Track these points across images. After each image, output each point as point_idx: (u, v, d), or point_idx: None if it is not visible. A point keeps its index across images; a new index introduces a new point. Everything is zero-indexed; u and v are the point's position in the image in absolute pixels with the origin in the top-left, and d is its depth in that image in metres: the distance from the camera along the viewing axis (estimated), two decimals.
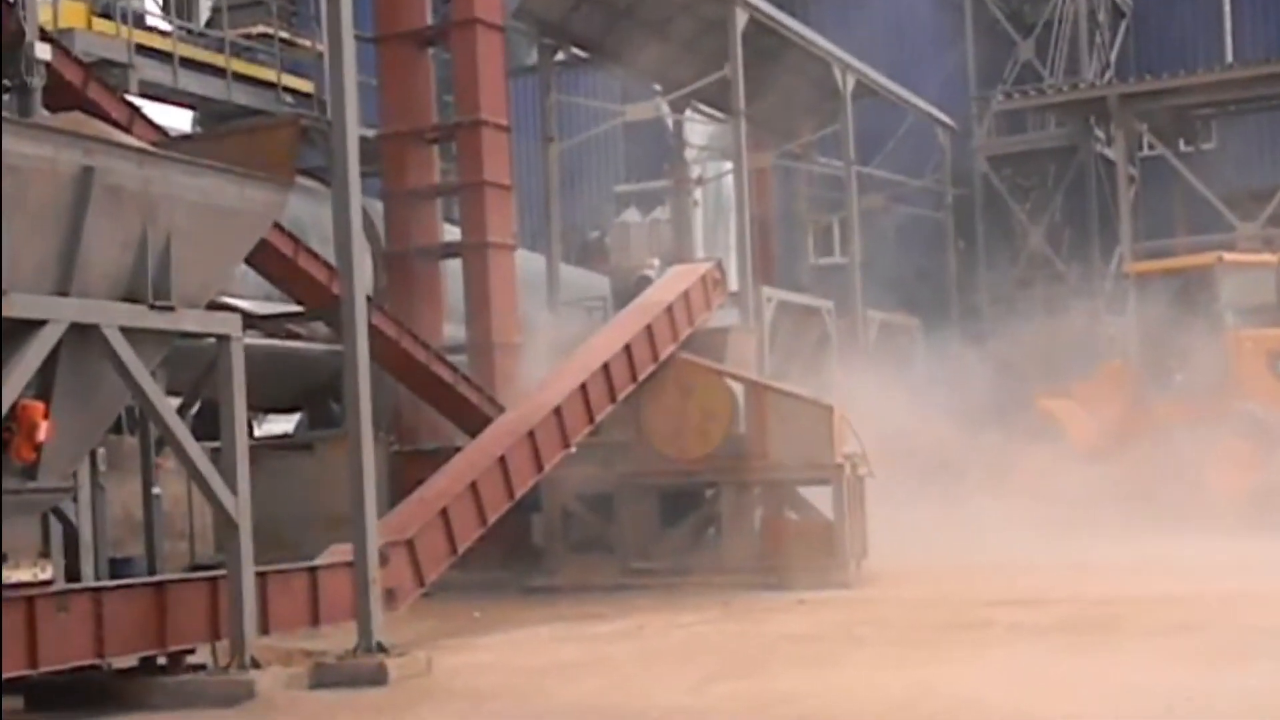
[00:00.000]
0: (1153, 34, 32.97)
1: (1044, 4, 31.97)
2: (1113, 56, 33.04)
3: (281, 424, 23.71)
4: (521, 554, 18.21)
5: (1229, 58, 31.96)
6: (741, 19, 21.99)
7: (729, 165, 24.23)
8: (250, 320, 13.47)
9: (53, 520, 10.41)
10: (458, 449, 16.31)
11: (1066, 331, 24.07)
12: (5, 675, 9.10)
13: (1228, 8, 32.90)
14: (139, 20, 22.97)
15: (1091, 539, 18.88)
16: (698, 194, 27.10)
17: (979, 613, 13.01)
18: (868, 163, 28.31)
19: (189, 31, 25.04)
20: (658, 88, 25.71)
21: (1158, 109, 29.29)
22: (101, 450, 11.77)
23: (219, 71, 23.39)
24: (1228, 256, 23.20)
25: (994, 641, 11.26)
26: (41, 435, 8.76)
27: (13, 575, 8.90)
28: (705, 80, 22.93)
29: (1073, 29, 31.77)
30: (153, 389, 9.50)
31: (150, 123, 14.29)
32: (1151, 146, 30.18)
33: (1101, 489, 20.12)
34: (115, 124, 12.26)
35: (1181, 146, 30.82)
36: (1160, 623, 11.79)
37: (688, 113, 26.72)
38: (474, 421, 17.30)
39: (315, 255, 15.41)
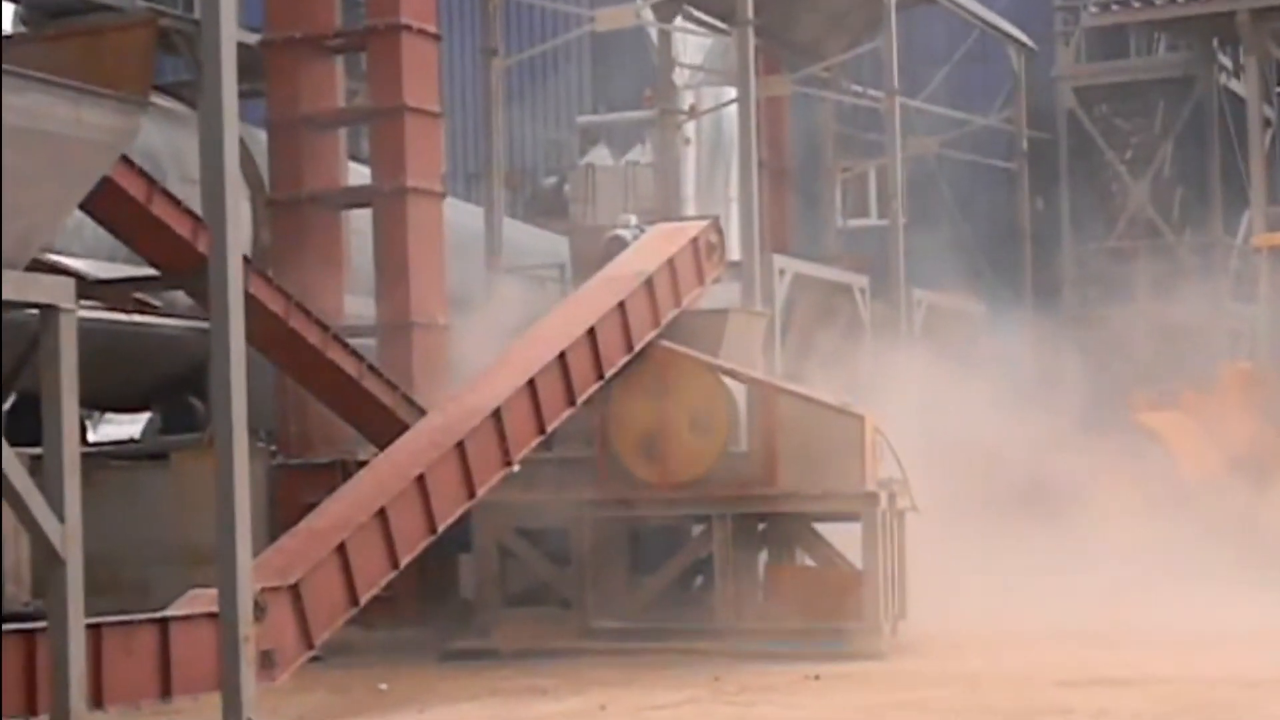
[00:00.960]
0: None
1: None
2: None
3: (126, 426, 23.75)
4: (444, 607, 18.39)
5: None
6: None
7: (732, 92, 24.14)
8: (87, 286, 13.36)
9: None
10: (361, 464, 16.38)
11: (1177, 323, 24.03)
12: None
13: None
14: None
15: (1206, 598, 18.58)
16: (690, 129, 26.97)
17: (1053, 696, 12.99)
18: (917, 94, 28.38)
19: None
20: None
21: None
22: None
23: None
24: None
25: None
26: None
27: None
28: None
29: None
30: None
31: None
32: None
33: (1220, 531, 20.09)
34: None
35: None
36: None
37: (677, 21, 26.43)
38: (383, 427, 17.37)
39: (176, 201, 15.28)
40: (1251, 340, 23.88)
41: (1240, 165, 30.03)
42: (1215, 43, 30.77)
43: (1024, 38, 30.93)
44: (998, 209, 29.73)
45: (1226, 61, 31.13)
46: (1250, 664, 14.43)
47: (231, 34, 10.70)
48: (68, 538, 9.78)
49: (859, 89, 29.13)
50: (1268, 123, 29.65)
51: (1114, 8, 31.07)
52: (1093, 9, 31.28)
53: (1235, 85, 30.82)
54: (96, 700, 10.24)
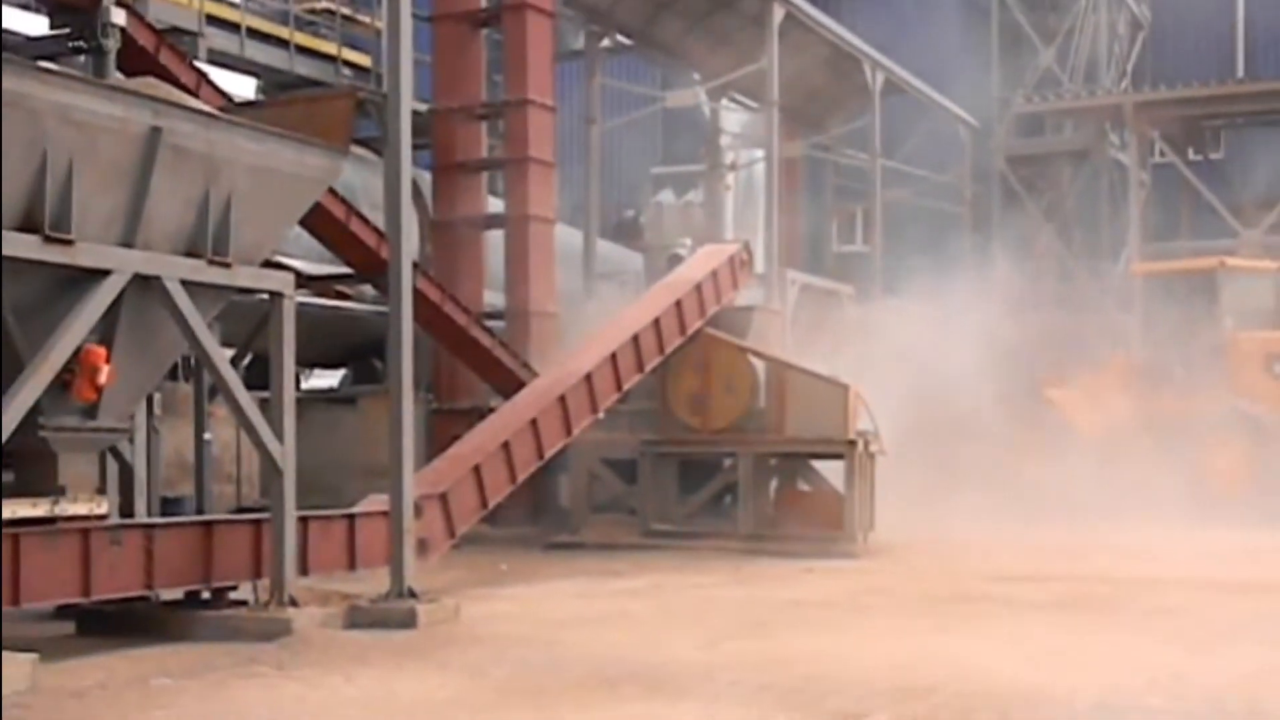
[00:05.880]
0: (1168, 47, 32.94)
1: (1066, 14, 31.80)
2: (1129, 66, 32.98)
3: (327, 379, 23.70)
4: (548, 512, 18.31)
5: (1240, 73, 31.82)
6: (778, 14, 22.02)
7: (761, 153, 24.17)
8: (302, 279, 13.30)
9: (110, 459, 10.39)
10: (492, 409, 16.37)
11: (1075, 326, 23.80)
12: (60, 602, 9.18)
13: (1241, 25, 32.78)
14: None
15: (1090, 524, 18.71)
16: (730, 179, 27.03)
17: (980, 587, 12.85)
18: (892, 157, 28.08)
19: (261, 5, 25.06)
20: (696, 76, 25.66)
21: (1170, 118, 29.14)
22: (158, 395, 11.86)
23: (283, 43, 23.45)
24: (1230, 261, 23.15)
25: (991, 615, 11.11)
26: (102, 378, 8.73)
27: (70, 508, 8.84)
28: (742, 71, 22.97)
29: (1092, 39, 31.61)
30: (208, 340, 9.49)
31: (217, 89, 14.26)
32: (1163, 154, 30.03)
33: (1102, 477, 19.93)
34: (184, 88, 12.23)
35: (1191, 155, 30.64)
36: (1151, 604, 11.66)
37: (724, 101, 26.61)
38: (508, 384, 17.41)
39: (366, 221, 15.37)
40: (1128, 339, 23.67)
41: (1122, 214, 29.78)
42: (1107, 126, 30.53)
43: (970, 119, 30.70)
44: (948, 243, 29.07)
45: (1115, 140, 30.86)
46: (1125, 570, 14.32)
47: (408, 104, 10.74)
48: (285, 455, 9.88)
49: (851, 153, 28.89)
50: (1142, 184, 29.46)
51: (1036, 100, 30.85)
52: (1021, 100, 31.04)
53: (1121, 157, 30.54)
54: (303, 569, 10.28)
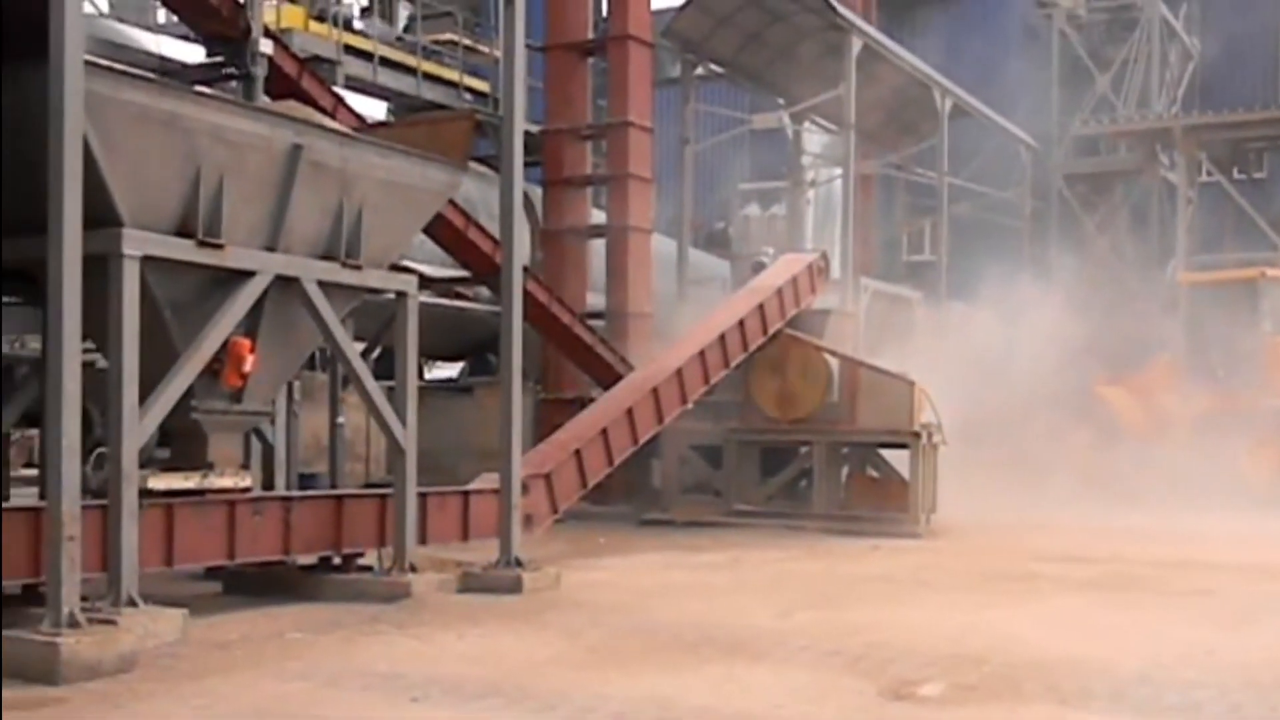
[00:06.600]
0: (1216, 74, 32.22)
1: (1121, 44, 31.42)
2: (1180, 92, 32.44)
3: (447, 370, 23.82)
4: (641, 492, 18.26)
5: None
6: (856, 45, 21.85)
7: (839, 171, 23.92)
8: (425, 281, 13.16)
9: (254, 439, 10.54)
10: (592, 399, 16.40)
11: (1125, 329, 23.46)
12: (208, 565, 9.36)
13: None
14: (348, 24, 23.39)
15: (1134, 511, 18.45)
16: (810, 195, 26.91)
17: (1030, 566, 12.67)
18: (959, 175, 27.77)
19: (392, 36, 25.39)
20: (781, 101, 25.57)
21: (1217, 140, 28.72)
22: (297, 383, 12.02)
23: (411, 71, 23.75)
24: (1270, 271, 22.81)
25: (1040, 591, 10.94)
26: (248, 367, 8.87)
27: (218, 482, 8.99)
28: (822, 97, 22.74)
29: (1146, 67, 31.15)
30: (341, 334, 9.60)
31: (352, 111, 14.38)
32: (1209, 173, 29.52)
33: (1147, 468, 19.66)
34: (323, 110, 12.38)
35: (1235, 174, 30.13)
36: (1189, 585, 11.41)
37: (805, 124, 26.46)
38: (607, 377, 17.45)
39: (482, 229, 15.38)
40: (1173, 343, 23.31)
41: (1170, 229, 29.29)
42: (1158, 147, 30.05)
43: (1030, 140, 30.17)
44: (1009, 253, 28.20)
45: (1165, 160, 30.36)
46: (1165, 553, 14.01)
47: (521, 126, 10.76)
48: (408, 438, 9.97)
49: (921, 171, 28.51)
50: (1190, 201, 28.98)
51: (1092, 123, 30.46)
52: (1078, 123, 30.63)
53: (1170, 176, 30.06)
54: (422, 539, 10.32)
